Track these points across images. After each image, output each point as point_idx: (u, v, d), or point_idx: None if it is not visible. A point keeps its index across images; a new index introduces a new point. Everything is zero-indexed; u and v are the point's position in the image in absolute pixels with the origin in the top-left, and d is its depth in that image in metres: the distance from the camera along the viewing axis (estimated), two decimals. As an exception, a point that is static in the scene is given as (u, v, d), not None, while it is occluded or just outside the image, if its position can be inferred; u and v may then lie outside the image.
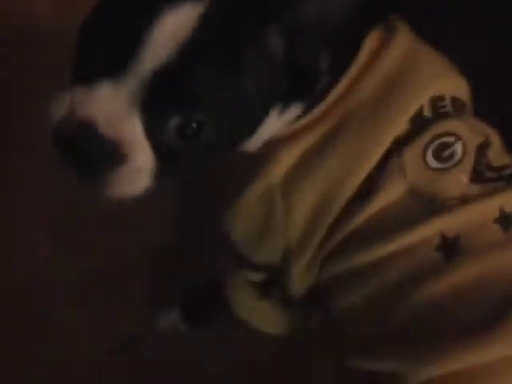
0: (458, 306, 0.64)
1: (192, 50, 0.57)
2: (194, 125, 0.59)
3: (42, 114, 0.62)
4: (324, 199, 0.69)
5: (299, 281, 0.76)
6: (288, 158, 0.70)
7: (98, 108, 0.58)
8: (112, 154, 0.59)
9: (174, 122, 0.59)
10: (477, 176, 0.68)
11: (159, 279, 1.11)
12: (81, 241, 1.09)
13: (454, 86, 0.73)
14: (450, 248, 0.65)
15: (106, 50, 0.58)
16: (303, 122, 0.70)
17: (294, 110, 0.69)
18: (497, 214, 0.67)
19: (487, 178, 0.69)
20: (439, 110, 0.70)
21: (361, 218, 0.68)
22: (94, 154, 0.60)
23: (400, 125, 0.68)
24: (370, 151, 0.68)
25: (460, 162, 0.68)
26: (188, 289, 1.06)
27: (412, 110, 0.69)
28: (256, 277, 0.81)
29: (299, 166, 0.70)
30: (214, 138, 0.61)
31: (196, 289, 1.05)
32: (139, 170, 0.61)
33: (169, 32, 0.56)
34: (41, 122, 0.63)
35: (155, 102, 0.58)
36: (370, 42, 0.70)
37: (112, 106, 0.58)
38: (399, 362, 0.65)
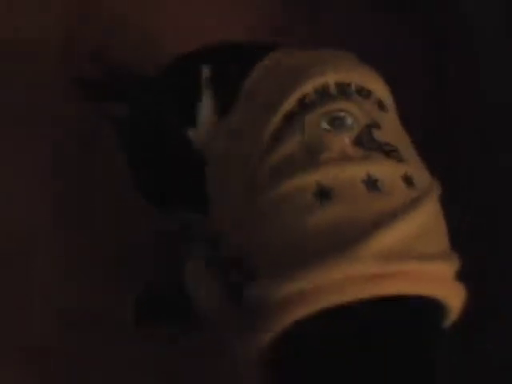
0: (322, 235, 0.75)
1: None
2: None
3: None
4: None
5: None
6: None
7: None
8: None
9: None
10: (357, 141, 0.80)
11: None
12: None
13: (361, 76, 0.89)
14: (324, 195, 0.77)
15: None
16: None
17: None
18: (364, 176, 0.78)
19: (367, 145, 0.80)
20: (344, 90, 0.86)
21: (273, 158, 0.82)
22: None
23: (300, 91, 0.85)
24: (278, 107, 0.84)
25: (348, 129, 0.81)
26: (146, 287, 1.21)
27: (316, 82, 0.85)
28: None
29: None
30: None
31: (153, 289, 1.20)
32: None
33: None
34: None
35: None
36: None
37: None
38: (266, 277, 0.76)
